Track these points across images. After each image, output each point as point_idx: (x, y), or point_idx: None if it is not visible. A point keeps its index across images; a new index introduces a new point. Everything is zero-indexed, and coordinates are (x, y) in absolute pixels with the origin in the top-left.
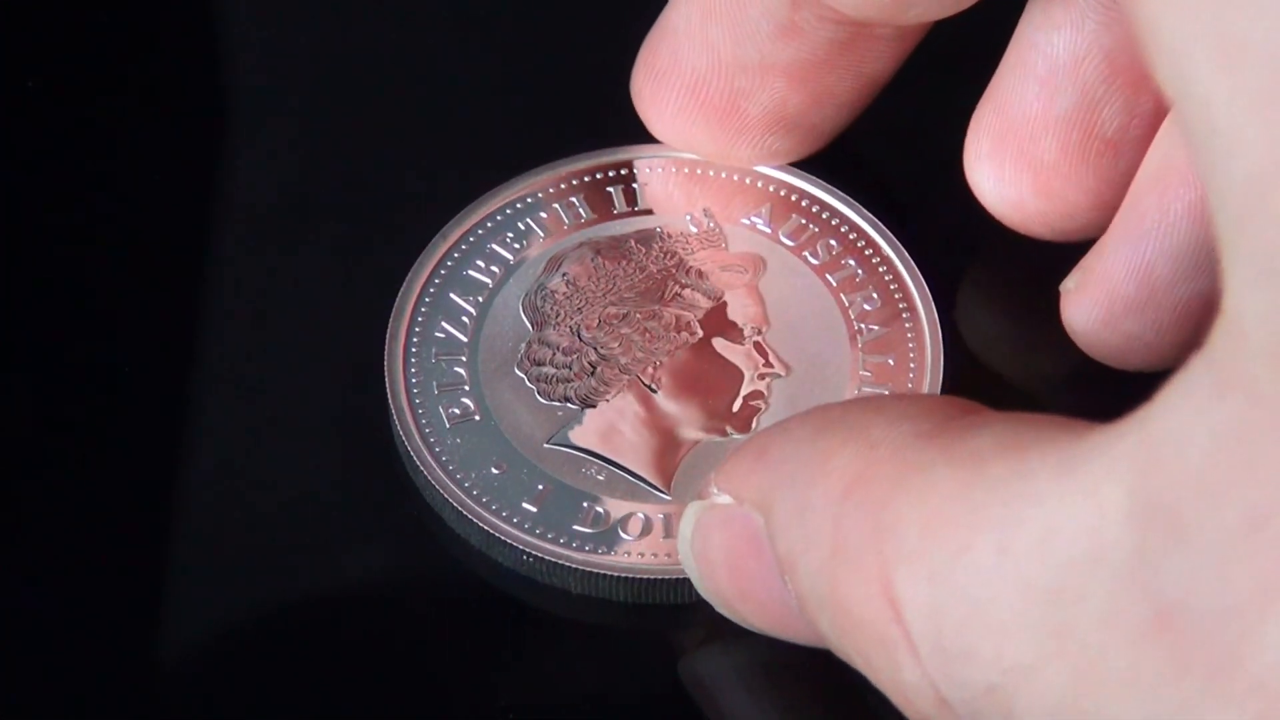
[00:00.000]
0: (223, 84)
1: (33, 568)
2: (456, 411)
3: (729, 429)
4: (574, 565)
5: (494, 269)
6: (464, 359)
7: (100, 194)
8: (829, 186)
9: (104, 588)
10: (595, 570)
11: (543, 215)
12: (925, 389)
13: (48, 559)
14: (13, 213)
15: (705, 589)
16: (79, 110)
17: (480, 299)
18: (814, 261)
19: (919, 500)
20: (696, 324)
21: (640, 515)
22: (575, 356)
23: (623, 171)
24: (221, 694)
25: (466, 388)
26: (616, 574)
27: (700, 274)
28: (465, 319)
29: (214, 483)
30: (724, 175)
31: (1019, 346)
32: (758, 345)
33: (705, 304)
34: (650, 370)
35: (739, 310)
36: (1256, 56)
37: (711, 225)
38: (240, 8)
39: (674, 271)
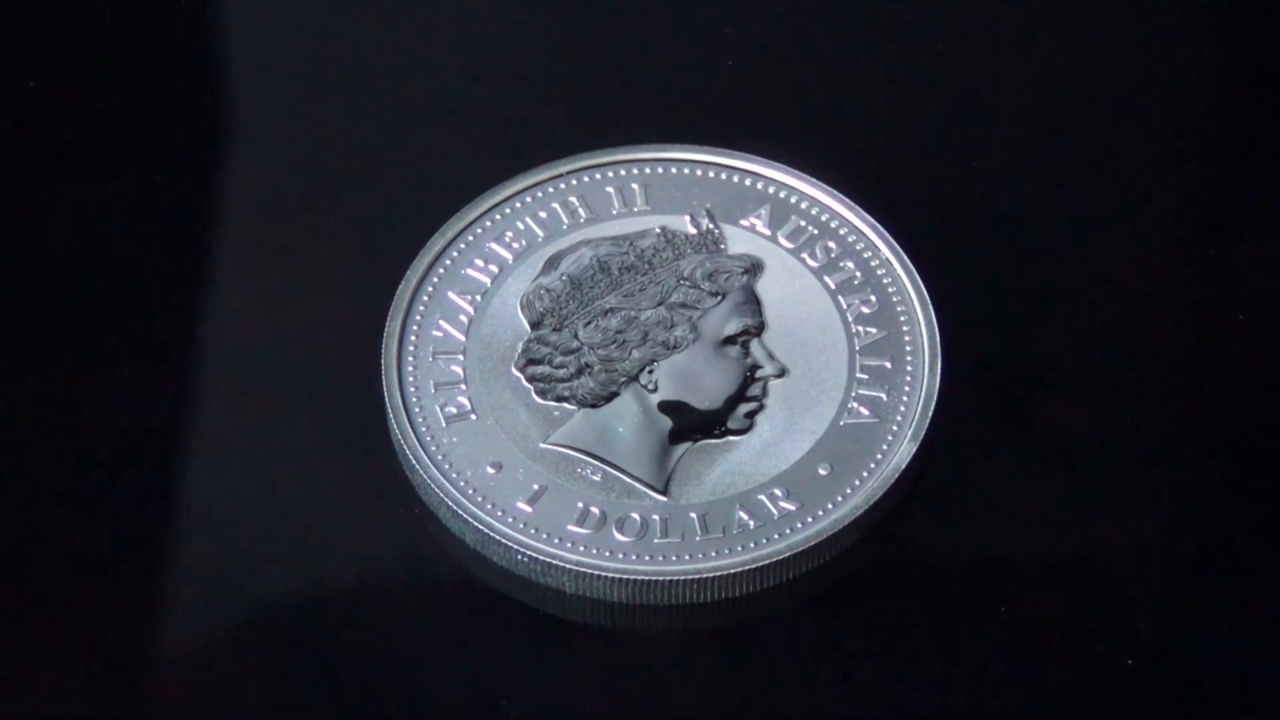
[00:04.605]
0: (222, 83)
1: (33, 568)
2: (453, 410)
3: (726, 430)
4: (569, 566)
5: (492, 268)
6: (461, 358)
7: (99, 193)
8: (828, 188)
9: (103, 587)
10: (590, 571)
11: (542, 215)
12: (922, 393)
13: (48, 559)
14: (13, 213)
15: None
16: (79, 110)
17: (478, 298)
18: (813, 263)
19: None
20: (694, 325)
21: (636, 516)
22: (573, 357)
23: (621, 171)
24: (215, 693)
25: (463, 386)
26: (611, 575)
27: (698, 275)
28: (463, 318)
29: (210, 480)
30: (723, 176)
31: (1018, 351)
32: (755, 346)
33: (703, 305)
34: (647, 371)
35: (737, 312)
36: None
37: (710, 226)
38: (240, 8)
39: (672, 272)
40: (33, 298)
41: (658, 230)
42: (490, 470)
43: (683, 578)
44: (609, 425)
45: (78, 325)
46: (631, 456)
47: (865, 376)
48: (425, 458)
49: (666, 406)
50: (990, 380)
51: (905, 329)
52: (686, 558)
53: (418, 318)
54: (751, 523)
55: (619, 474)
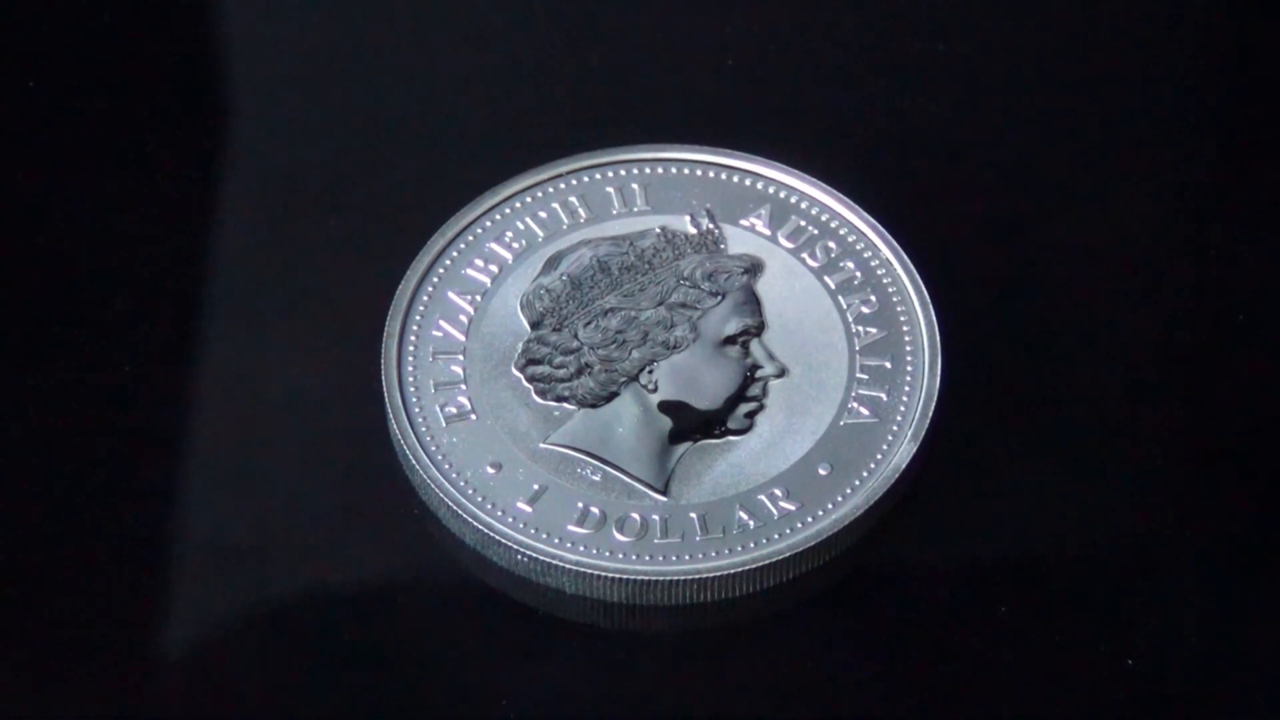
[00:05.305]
0: (222, 83)
1: (33, 568)
2: (453, 410)
3: (726, 430)
4: (568, 566)
5: (492, 268)
6: (461, 358)
7: (99, 194)
8: (828, 188)
9: (103, 588)
10: (590, 571)
11: (542, 215)
12: (922, 393)
13: (48, 559)
14: (13, 213)
15: None
16: (79, 110)
17: (478, 298)
18: (813, 263)
19: None
20: (694, 325)
21: (636, 516)
22: (572, 357)
23: (622, 171)
24: (215, 693)
25: (463, 386)
26: (611, 575)
27: (698, 275)
28: (463, 318)
29: (210, 481)
30: (724, 176)
31: (1018, 351)
32: (755, 346)
33: (703, 305)
34: (647, 371)
35: (737, 312)
36: None
37: (710, 226)
38: (240, 8)
39: (672, 272)
40: (33, 297)
41: (658, 230)
42: (490, 470)
43: (683, 578)
44: (609, 425)
45: (78, 325)
46: (631, 456)
47: (865, 376)
48: (425, 458)
49: (666, 406)
50: (990, 380)
51: (905, 329)
52: (686, 558)
53: (418, 318)
54: (751, 523)
55: (619, 474)
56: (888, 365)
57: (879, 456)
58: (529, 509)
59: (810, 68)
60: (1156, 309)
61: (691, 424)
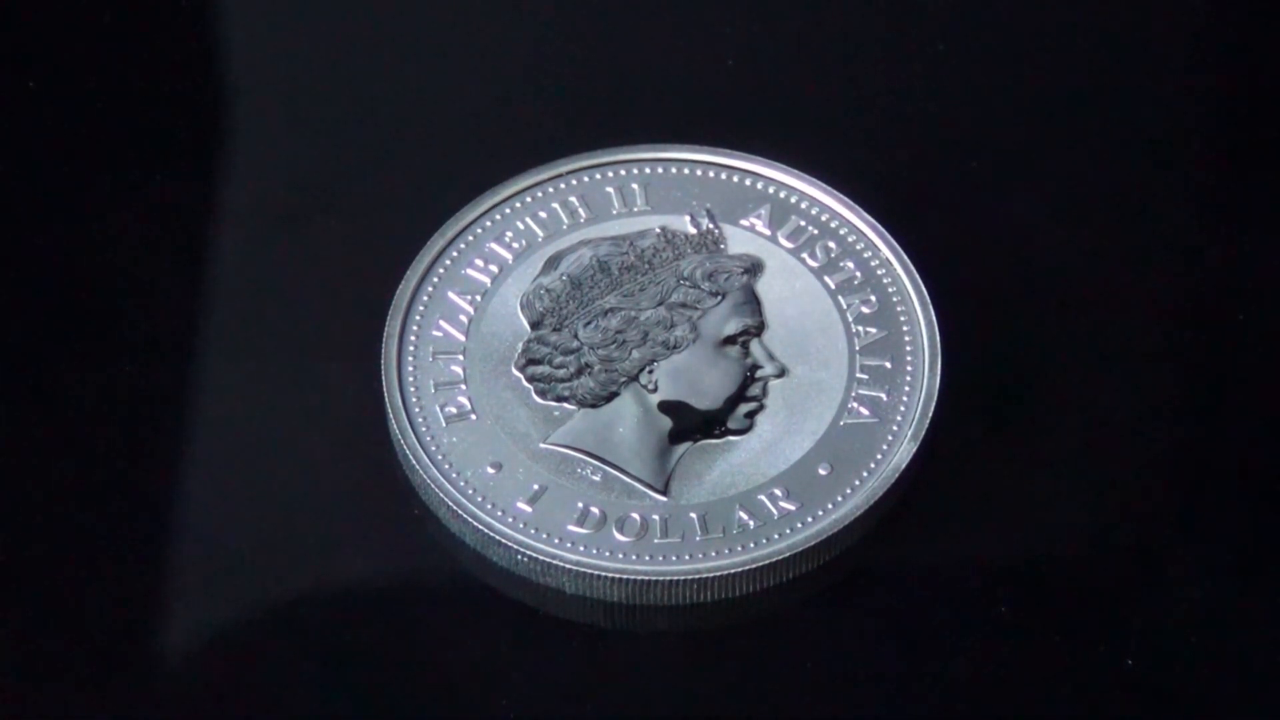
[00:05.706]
0: (222, 83)
1: (33, 568)
2: (453, 410)
3: (726, 430)
4: (568, 566)
5: (492, 268)
6: (461, 358)
7: (99, 194)
8: (828, 188)
9: (103, 588)
10: (590, 571)
11: (542, 215)
12: (922, 393)
13: (48, 559)
14: (13, 213)
15: None
16: (79, 110)
17: (478, 298)
18: (813, 263)
19: None
20: (694, 325)
21: (636, 516)
22: (572, 357)
23: (621, 171)
24: (215, 693)
25: (463, 386)
26: (611, 575)
27: (698, 275)
28: (463, 318)
29: (210, 481)
30: (723, 175)
31: (1018, 351)
32: (755, 346)
33: (703, 305)
34: (647, 371)
35: (737, 312)
36: None
37: (710, 226)
38: (240, 8)
39: (672, 272)
40: (33, 297)
41: (658, 230)
42: (490, 470)
43: (683, 578)
44: (609, 425)
45: (78, 325)
46: (631, 456)
47: (865, 376)
48: (425, 458)
49: (666, 406)
50: (990, 380)
51: (905, 329)
52: (686, 558)
53: (418, 318)
54: (751, 523)
55: (619, 474)
56: (888, 365)
57: (879, 456)
58: (529, 509)
59: (810, 68)
60: (1156, 308)
61: (691, 424)
